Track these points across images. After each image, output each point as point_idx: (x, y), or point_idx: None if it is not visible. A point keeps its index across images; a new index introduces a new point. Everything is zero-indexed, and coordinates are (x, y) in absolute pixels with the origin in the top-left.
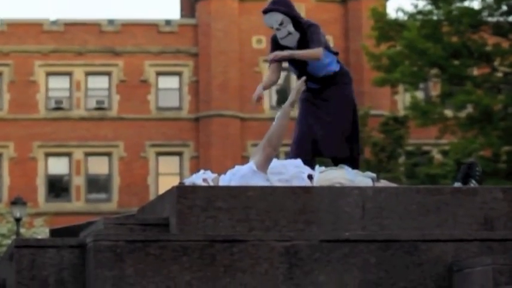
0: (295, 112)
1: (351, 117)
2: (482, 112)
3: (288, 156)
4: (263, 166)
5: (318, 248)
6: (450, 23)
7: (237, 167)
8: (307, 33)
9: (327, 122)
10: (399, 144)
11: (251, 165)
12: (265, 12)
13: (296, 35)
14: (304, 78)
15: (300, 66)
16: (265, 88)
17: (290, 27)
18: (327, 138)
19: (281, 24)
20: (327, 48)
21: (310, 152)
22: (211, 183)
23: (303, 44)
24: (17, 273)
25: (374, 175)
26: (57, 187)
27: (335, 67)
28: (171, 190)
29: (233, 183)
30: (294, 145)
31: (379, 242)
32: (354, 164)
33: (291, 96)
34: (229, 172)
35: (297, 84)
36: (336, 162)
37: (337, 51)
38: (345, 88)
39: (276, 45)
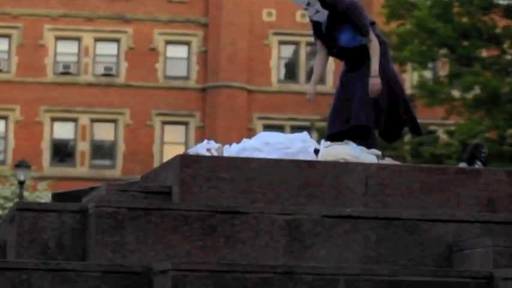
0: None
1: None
2: (489, 94)
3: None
4: None
5: (319, 222)
6: (461, 4)
7: (244, 140)
8: (348, 16)
9: (355, 94)
10: None
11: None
12: None
13: (324, 13)
14: (374, 75)
15: (329, 44)
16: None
17: (318, 6)
18: (353, 109)
19: (308, 4)
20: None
21: (343, 124)
22: (215, 154)
23: (333, 19)
24: (17, 236)
25: (379, 152)
26: (62, 152)
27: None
28: (174, 159)
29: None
30: (329, 119)
31: (380, 219)
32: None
33: None
34: (235, 144)
35: (374, 85)
36: (357, 132)
37: (374, 21)
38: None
39: (313, 22)
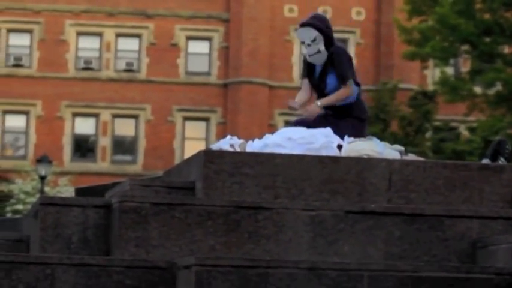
0: None
1: None
2: (511, 91)
3: None
4: None
5: (342, 218)
6: (483, 0)
7: (266, 135)
8: (333, 58)
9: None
10: (427, 119)
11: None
12: (302, 25)
13: (324, 54)
14: (319, 105)
15: (319, 88)
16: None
17: (321, 46)
18: None
19: (313, 40)
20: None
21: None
22: (238, 149)
23: (327, 65)
24: (41, 231)
25: (402, 148)
26: (83, 147)
27: (352, 99)
28: (198, 154)
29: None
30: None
31: (404, 215)
32: None
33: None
34: (257, 140)
35: (311, 108)
36: None
37: (360, 83)
38: (359, 125)
39: (307, 63)
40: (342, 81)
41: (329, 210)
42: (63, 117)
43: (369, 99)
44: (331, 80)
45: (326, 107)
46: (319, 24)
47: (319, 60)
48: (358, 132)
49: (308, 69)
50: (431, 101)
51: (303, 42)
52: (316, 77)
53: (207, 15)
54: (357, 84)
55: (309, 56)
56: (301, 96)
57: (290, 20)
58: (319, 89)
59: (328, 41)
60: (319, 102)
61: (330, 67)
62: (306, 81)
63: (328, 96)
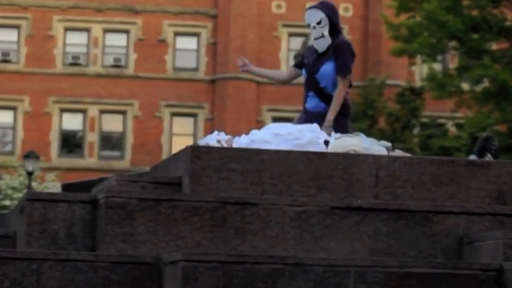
0: None
1: None
2: (498, 87)
3: None
4: None
5: (329, 214)
6: None
7: (253, 131)
8: (337, 50)
9: None
10: (414, 115)
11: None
12: (309, 8)
13: (328, 41)
14: (330, 119)
15: (311, 71)
16: (261, 73)
17: (325, 31)
18: None
19: (319, 23)
20: None
21: None
22: (225, 145)
23: (329, 52)
24: (27, 226)
25: (389, 144)
26: (71, 143)
27: None
28: (185, 150)
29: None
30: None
31: (391, 211)
32: None
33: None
34: (244, 136)
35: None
36: None
37: (352, 84)
38: (342, 121)
39: (309, 50)
40: (341, 72)
41: (316, 206)
42: (50, 113)
43: (357, 95)
44: (326, 67)
45: (314, 93)
46: (326, 9)
47: (322, 45)
48: (339, 127)
49: (303, 60)
50: (419, 97)
51: (308, 25)
52: (312, 61)
53: (195, 11)
54: (349, 85)
55: (314, 39)
56: (270, 71)
57: (278, 16)
58: (311, 72)
59: (333, 27)
60: (327, 123)
61: (330, 56)
62: (290, 69)
63: (331, 106)
